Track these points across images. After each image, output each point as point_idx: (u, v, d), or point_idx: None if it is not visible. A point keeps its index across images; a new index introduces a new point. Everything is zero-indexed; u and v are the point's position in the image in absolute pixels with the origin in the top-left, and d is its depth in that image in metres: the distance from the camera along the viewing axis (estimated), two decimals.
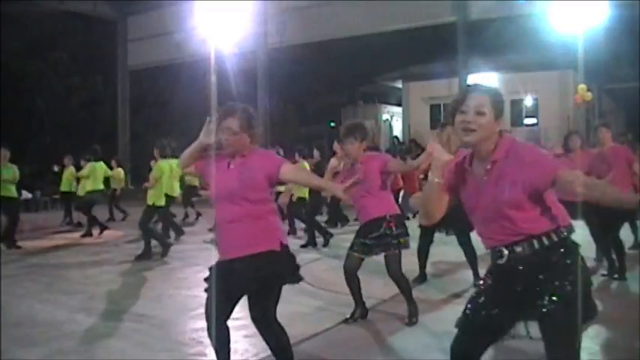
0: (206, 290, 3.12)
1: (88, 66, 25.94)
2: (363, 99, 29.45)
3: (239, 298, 3.09)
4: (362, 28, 19.86)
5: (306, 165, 10.31)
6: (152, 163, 9.18)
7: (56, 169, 14.85)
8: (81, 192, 11.27)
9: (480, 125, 2.28)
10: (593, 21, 14.68)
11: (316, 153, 9.93)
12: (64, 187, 13.23)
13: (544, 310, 2.24)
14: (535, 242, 2.29)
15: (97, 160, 11.18)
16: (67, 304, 5.64)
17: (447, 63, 19.81)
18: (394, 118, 27.96)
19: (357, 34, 20.64)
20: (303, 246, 8.99)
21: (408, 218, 10.07)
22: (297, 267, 3.18)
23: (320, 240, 9.19)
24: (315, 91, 31.51)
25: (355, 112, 27.90)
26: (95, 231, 10.91)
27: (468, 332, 2.45)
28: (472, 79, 19.44)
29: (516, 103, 21.88)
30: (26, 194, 18.58)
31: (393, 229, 4.50)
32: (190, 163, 3.27)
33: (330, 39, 21.25)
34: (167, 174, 8.61)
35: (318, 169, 9.42)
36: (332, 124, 32.78)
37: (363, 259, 4.63)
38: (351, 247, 4.66)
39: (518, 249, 2.31)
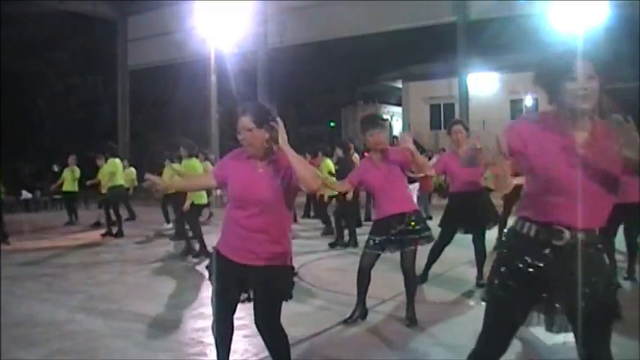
0: (211, 280, 3.12)
1: (88, 66, 25.94)
2: (363, 99, 29.50)
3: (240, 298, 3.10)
4: (362, 28, 19.86)
5: (329, 163, 10.36)
6: (167, 162, 9.15)
7: (56, 169, 14.84)
8: (103, 190, 11.19)
9: (594, 90, 2.19)
10: (593, 21, 14.67)
11: (338, 150, 9.93)
12: (66, 187, 13.19)
13: (580, 303, 2.20)
14: (591, 233, 2.24)
15: (113, 157, 11.13)
16: (67, 304, 5.63)
17: (447, 63, 19.84)
18: (394, 118, 28.01)
19: (357, 34, 20.64)
20: (345, 245, 8.88)
21: (430, 218, 10.06)
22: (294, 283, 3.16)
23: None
24: (315, 91, 31.54)
25: (355, 112, 27.98)
26: (114, 228, 10.77)
27: (501, 315, 2.36)
28: (472, 78, 19.48)
29: (516, 103, 21.92)
30: (26, 194, 18.59)
31: (416, 224, 4.47)
32: (203, 187, 3.25)
33: (330, 39, 21.25)
34: (200, 172, 8.30)
35: (341, 166, 9.40)
36: (332, 124, 32.80)
37: (379, 256, 4.59)
38: (367, 245, 4.59)
39: (580, 235, 2.22)
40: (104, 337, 4.53)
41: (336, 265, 7.47)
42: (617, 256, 6.44)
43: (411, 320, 4.58)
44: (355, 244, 8.66)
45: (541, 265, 2.26)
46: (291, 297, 3.10)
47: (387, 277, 5.42)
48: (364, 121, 4.61)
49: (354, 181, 4.73)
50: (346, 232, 9.08)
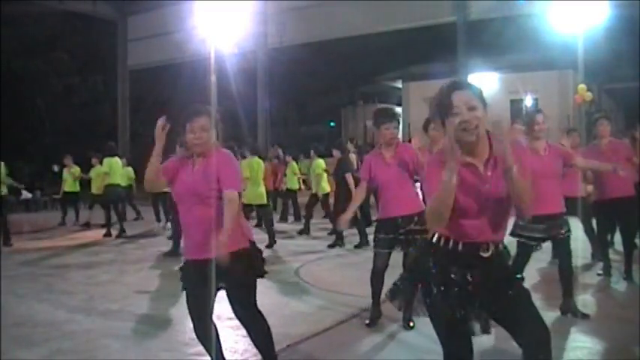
0: (184, 289, 3.21)
1: (88, 66, 25.95)
2: (363, 99, 29.49)
3: (216, 294, 3.15)
4: (362, 28, 19.84)
5: (321, 162, 10.42)
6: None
7: (56, 169, 14.81)
8: (99, 190, 11.12)
9: (479, 120, 2.23)
10: (593, 21, 14.66)
11: (336, 152, 9.79)
12: (67, 188, 13.14)
13: (503, 302, 2.36)
14: (500, 244, 2.43)
15: (112, 156, 11.05)
16: (67, 304, 5.63)
17: (447, 63, 19.81)
18: None
19: (357, 34, 20.63)
20: (342, 245, 8.85)
21: None
22: (264, 261, 3.27)
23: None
24: (315, 91, 31.53)
25: (355, 112, 27.98)
26: (114, 230, 10.71)
27: (456, 329, 2.45)
28: (472, 79, 19.46)
29: (516, 103, 21.87)
30: (26, 194, 18.58)
31: (423, 224, 4.40)
32: (159, 176, 3.21)
33: (330, 39, 21.23)
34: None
35: (339, 167, 9.30)
36: (332, 124, 32.80)
37: (390, 255, 4.49)
38: (378, 245, 4.49)
39: (500, 246, 2.41)
40: (104, 337, 4.53)
41: (336, 265, 7.47)
42: (615, 256, 6.45)
43: (408, 324, 4.50)
44: (367, 244, 8.31)
45: (469, 275, 2.37)
46: (260, 276, 3.21)
47: (388, 278, 5.41)
48: (379, 115, 4.48)
49: (367, 176, 4.54)
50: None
